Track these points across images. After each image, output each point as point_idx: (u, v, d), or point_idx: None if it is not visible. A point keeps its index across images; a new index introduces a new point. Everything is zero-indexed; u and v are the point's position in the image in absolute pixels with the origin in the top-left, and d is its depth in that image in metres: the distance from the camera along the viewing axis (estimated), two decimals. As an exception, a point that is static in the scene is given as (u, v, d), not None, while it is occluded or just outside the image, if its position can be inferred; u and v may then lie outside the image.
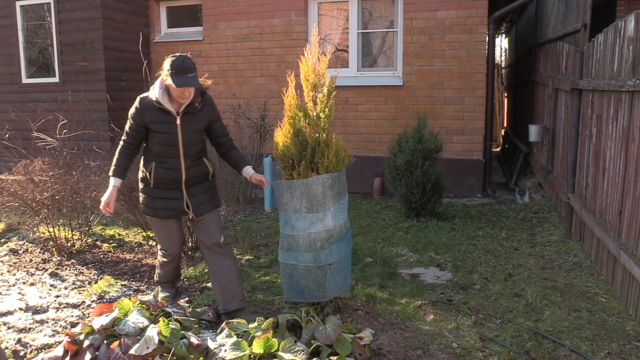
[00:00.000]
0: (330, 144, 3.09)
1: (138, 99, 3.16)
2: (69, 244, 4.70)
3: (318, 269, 3.06)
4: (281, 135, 3.15)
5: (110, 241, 5.06)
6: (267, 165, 3.22)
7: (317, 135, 3.10)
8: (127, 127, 3.21)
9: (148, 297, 3.17)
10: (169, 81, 3.00)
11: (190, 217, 3.29)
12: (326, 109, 3.10)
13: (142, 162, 3.31)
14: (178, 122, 3.12)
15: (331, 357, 2.62)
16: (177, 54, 3.07)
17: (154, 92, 3.10)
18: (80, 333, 2.79)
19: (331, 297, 3.18)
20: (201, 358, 2.68)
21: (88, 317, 3.35)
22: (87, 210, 4.85)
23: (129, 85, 7.48)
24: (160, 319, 2.81)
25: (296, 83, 3.19)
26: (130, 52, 7.58)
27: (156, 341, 2.62)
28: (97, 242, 4.97)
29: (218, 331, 2.97)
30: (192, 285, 3.91)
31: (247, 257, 4.52)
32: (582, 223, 4.54)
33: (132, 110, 3.17)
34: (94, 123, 6.32)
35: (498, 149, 11.60)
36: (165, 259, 3.53)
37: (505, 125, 13.39)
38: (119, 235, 5.26)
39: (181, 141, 3.14)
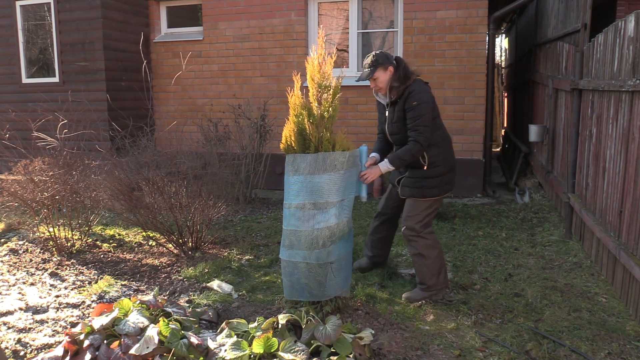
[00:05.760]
0: (334, 142, 3.11)
1: None
2: (69, 244, 4.70)
3: (319, 267, 3.07)
4: (287, 131, 3.15)
5: (110, 241, 5.06)
6: (363, 154, 3.38)
7: (321, 134, 3.11)
8: None
9: (148, 297, 3.17)
10: None
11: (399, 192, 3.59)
12: (330, 109, 3.10)
13: None
14: (387, 113, 3.54)
15: (331, 357, 2.62)
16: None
17: None
18: (80, 333, 2.79)
19: (332, 296, 3.19)
20: (201, 358, 2.68)
21: (88, 317, 3.35)
22: (87, 210, 4.85)
23: (129, 85, 7.49)
24: (160, 319, 2.81)
25: (300, 83, 3.18)
26: (130, 52, 7.58)
27: (156, 341, 2.62)
28: (97, 242, 4.97)
29: (218, 331, 2.97)
30: (192, 285, 3.91)
31: (247, 257, 4.52)
32: (582, 223, 4.54)
33: None
34: (94, 123, 6.33)
35: (498, 149, 11.60)
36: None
37: (505, 125, 13.39)
38: (119, 235, 5.26)
39: (387, 129, 3.55)
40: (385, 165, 3.39)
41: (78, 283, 4.00)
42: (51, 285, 3.96)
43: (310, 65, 3.13)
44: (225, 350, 2.63)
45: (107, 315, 2.86)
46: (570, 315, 3.32)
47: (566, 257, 4.42)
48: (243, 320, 2.95)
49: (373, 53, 3.46)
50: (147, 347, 2.59)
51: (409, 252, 3.65)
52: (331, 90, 3.12)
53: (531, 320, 3.26)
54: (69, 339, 2.73)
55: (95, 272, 4.23)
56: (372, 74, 3.40)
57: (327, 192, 3.06)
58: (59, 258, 4.53)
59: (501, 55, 15.31)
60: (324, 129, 3.11)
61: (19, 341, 3.05)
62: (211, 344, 2.76)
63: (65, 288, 3.90)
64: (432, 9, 6.69)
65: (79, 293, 3.81)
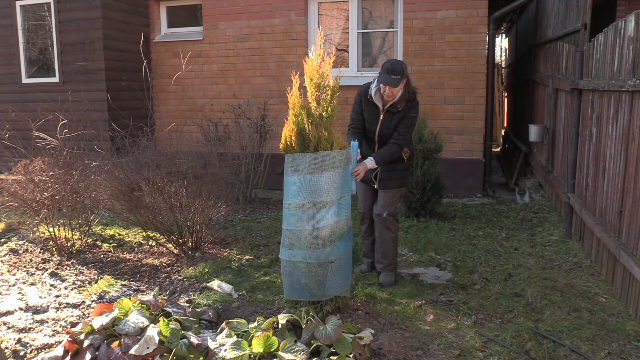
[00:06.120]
0: (332, 141, 3.12)
1: (361, 86, 3.80)
2: (69, 244, 4.70)
3: (319, 267, 3.07)
4: (287, 131, 3.16)
5: (110, 241, 5.06)
6: (355, 150, 3.48)
7: (320, 134, 3.12)
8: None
9: (148, 297, 3.17)
10: (376, 79, 3.58)
11: (375, 187, 3.85)
12: (329, 109, 3.12)
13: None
14: (381, 117, 3.68)
15: (331, 357, 2.62)
16: (393, 59, 3.60)
17: (372, 85, 3.67)
18: (81, 333, 2.79)
19: (332, 295, 3.19)
20: (201, 358, 2.68)
21: (88, 317, 3.35)
22: (87, 210, 4.85)
23: (129, 85, 7.49)
24: (160, 318, 2.81)
25: (299, 83, 3.19)
26: (130, 52, 7.58)
27: (156, 341, 2.62)
28: (97, 242, 4.97)
29: (218, 331, 2.97)
30: (192, 285, 3.91)
31: (247, 257, 4.52)
32: (582, 223, 4.54)
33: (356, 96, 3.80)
34: (94, 123, 6.33)
35: (498, 149, 11.60)
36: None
37: (505, 125, 13.39)
38: (119, 235, 5.26)
39: (378, 131, 3.73)
40: (371, 163, 3.60)
41: (78, 283, 4.00)
42: (51, 285, 3.96)
43: (308, 65, 3.14)
44: (225, 350, 2.63)
45: (107, 315, 2.86)
46: (570, 315, 3.32)
47: (566, 257, 4.42)
48: (243, 320, 2.95)
49: (398, 61, 3.55)
50: (148, 347, 2.59)
51: (382, 237, 3.85)
52: (329, 90, 3.13)
53: (531, 320, 3.26)
54: (69, 339, 2.73)
55: (95, 272, 4.23)
56: (400, 83, 3.50)
57: (326, 191, 3.07)
58: (59, 258, 4.53)
59: (501, 55, 15.31)
60: (322, 129, 3.12)
61: (19, 341, 3.05)
62: (211, 344, 2.76)
63: (65, 288, 3.90)
64: (432, 9, 6.69)
65: (79, 293, 3.81)
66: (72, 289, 3.87)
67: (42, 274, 4.17)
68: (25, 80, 7.78)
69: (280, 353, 2.56)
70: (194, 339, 2.71)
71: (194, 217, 4.55)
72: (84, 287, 3.93)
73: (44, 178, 4.53)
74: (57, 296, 3.73)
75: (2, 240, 5.05)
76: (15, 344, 3.02)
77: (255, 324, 2.86)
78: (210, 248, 4.75)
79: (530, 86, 8.29)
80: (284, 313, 3.01)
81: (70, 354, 2.69)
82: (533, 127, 6.50)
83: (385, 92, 3.54)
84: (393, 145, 3.66)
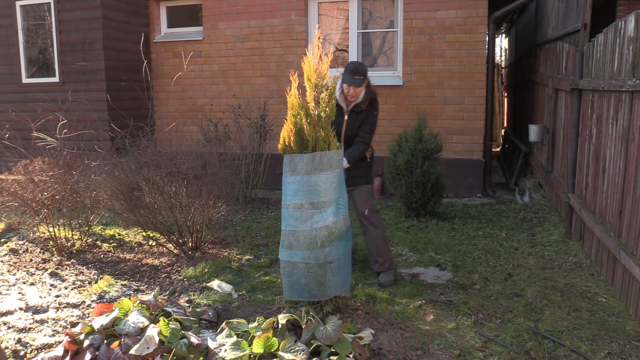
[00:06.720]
0: (329, 141, 3.12)
1: None
2: (69, 244, 4.70)
3: (318, 267, 3.07)
4: (285, 131, 3.16)
5: (110, 241, 5.06)
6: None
7: (318, 134, 3.12)
8: None
9: (148, 297, 3.17)
10: (340, 80, 3.63)
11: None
12: (327, 109, 3.12)
13: None
14: (346, 117, 3.80)
15: (331, 357, 2.62)
16: (356, 60, 3.58)
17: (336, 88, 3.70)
18: (81, 333, 2.79)
19: (331, 295, 3.19)
20: (201, 358, 2.68)
21: (88, 317, 3.35)
22: (87, 210, 4.85)
23: (129, 85, 7.49)
24: (161, 318, 2.81)
25: (298, 83, 3.20)
26: (130, 52, 7.58)
27: (157, 341, 2.62)
28: (97, 242, 4.97)
29: (218, 331, 2.97)
30: (192, 285, 3.91)
31: (247, 257, 4.52)
32: (582, 223, 4.54)
33: None
34: (94, 123, 6.33)
35: (498, 149, 11.60)
36: None
37: (505, 125, 13.39)
38: (119, 235, 5.26)
39: (344, 132, 3.83)
40: (345, 163, 3.68)
41: (78, 283, 4.00)
42: (51, 285, 3.96)
43: (306, 65, 3.14)
44: (225, 350, 2.63)
45: (107, 315, 2.86)
46: (570, 315, 3.32)
47: (566, 257, 4.42)
48: (243, 320, 2.95)
49: (360, 62, 3.73)
50: (148, 348, 2.59)
51: (371, 236, 3.91)
52: (327, 90, 3.13)
53: (531, 320, 3.26)
54: (69, 339, 2.73)
55: (95, 272, 4.23)
56: (363, 82, 3.65)
57: (324, 191, 3.07)
58: (59, 258, 4.53)
59: (501, 55, 15.31)
60: (320, 129, 3.12)
61: (19, 341, 3.05)
62: (211, 344, 2.76)
63: (65, 288, 3.90)
64: (432, 9, 6.69)
65: (79, 293, 3.81)
66: (72, 289, 3.87)
67: (42, 274, 4.17)
68: (25, 80, 7.78)
69: (280, 353, 2.57)
70: (194, 339, 2.71)
71: (194, 217, 4.55)
72: (84, 287, 3.93)
73: (44, 178, 4.53)
74: (57, 296, 3.73)
75: (2, 240, 5.05)
76: (15, 344, 3.02)
77: (255, 324, 2.86)
78: (210, 248, 4.75)
79: (530, 86, 8.29)
80: (284, 313, 3.00)
81: (70, 354, 2.69)
82: (533, 127, 6.50)
83: (350, 92, 3.67)
84: (361, 144, 3.84)
